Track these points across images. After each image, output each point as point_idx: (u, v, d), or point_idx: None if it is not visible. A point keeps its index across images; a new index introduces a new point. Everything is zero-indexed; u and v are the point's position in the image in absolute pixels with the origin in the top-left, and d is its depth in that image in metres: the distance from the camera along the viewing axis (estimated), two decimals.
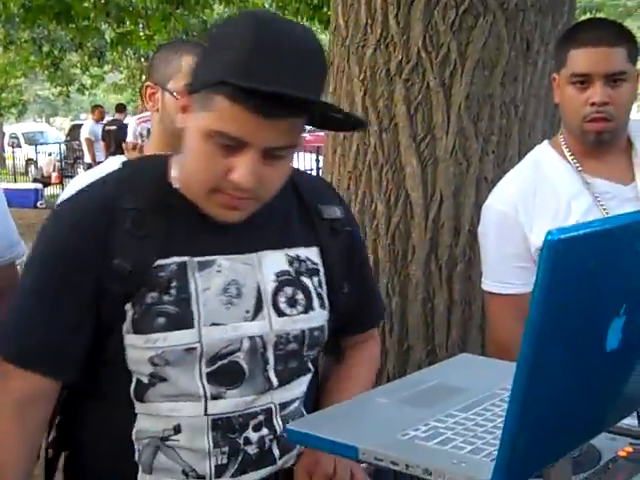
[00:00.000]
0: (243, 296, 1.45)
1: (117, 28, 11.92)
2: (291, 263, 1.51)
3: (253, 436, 1.47)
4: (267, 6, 12.35)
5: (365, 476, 1.48)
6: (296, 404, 1.54)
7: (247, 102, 1.28)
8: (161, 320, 1.39)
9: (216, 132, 1.32)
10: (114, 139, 15.20)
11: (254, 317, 1.46)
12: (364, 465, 1.49)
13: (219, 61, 1.30)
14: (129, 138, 7.87)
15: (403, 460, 0.98)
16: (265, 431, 1.48)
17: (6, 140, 26.45)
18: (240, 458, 1.46)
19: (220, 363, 1.43)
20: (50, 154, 21.17)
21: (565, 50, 2.24)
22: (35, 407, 1.43)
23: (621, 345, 0.97)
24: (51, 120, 44.36)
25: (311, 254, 1.54)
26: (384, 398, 1.19)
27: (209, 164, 1.35)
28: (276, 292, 1.48)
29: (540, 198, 2.22)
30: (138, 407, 1.45)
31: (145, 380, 1.43)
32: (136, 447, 1.46)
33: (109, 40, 12.68)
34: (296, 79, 1.29)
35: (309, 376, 1.58)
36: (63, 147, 21.70)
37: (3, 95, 23.44)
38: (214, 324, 1.42)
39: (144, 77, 18.04)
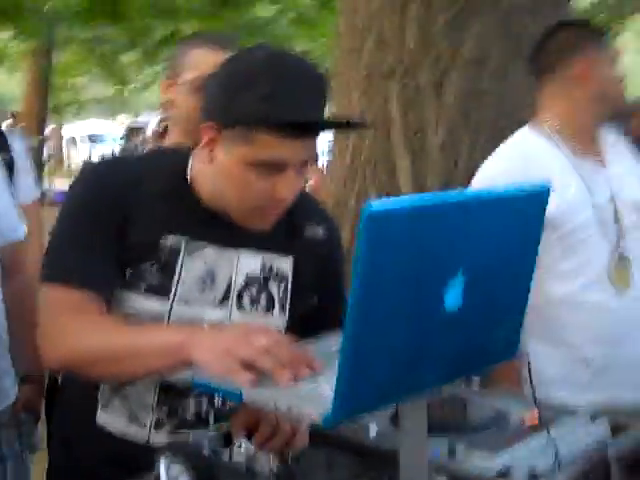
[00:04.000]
0: (215, 285, 1.65)
1: (164, 28, 12.27)
2: (263, 268, 1.70)
3: (192, 404, 1.68)
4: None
5: (306, 432, 1.58)
6: None
7: (286, 132, 1.49)
8: (144, 286, 1.61)
9: (262, 161, 1.51)
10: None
11: (218, 305, 1.65)
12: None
13: (249, 99, 1.48)
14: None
15: (272, 400, 1.18)
16: (204, 403, 1.70)
17: (64, 141, 27.08)
18: (177, 419, 1.68)
19: None
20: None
21: (569, 56, 2.44)
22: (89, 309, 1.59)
23: (464, 305, 1.14)
24: (113, 119, 45.13)
25: (284, 264, 1.72)
26: None
27: (253, 188, 1.54)
28: (243, 289, 1.67)
29: (527, 174, 2.31)
30: None
31: None
32: (100, 387, 1.68)
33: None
34: (317, 103, 1.53)
35: None
36: (118, 148, 22.13)
37: (62, 95, 23.95)
38: (186, 302, 1.62)
39: None
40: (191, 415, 1.69)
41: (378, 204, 1.01)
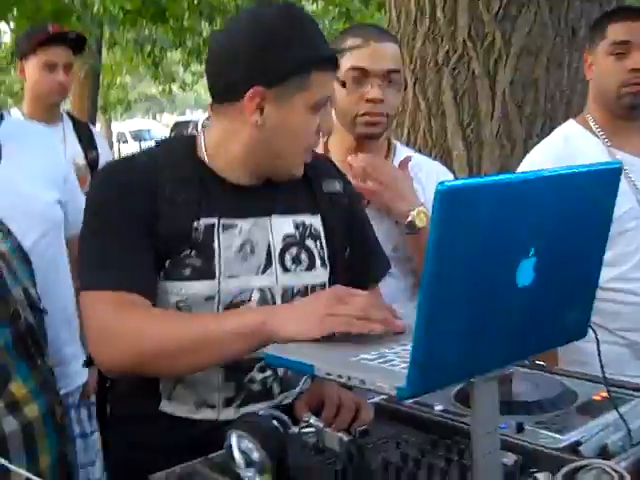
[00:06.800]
0: (255, 253, 1.68)
1: (210, 27, 12.38)
2: (297, 227, 1.74)
3: (257, 376, 1.69)
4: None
5: (371, 408, 1.64)
6: None
7: (329, 68, 1.64)
8: (188, 271, 1.62)
9: (321, 100, 1.62)
10: None
11: (263, 271, 1.68)
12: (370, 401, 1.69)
13: (292, 50, 1.58)
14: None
15: (345, 374, 1.19)
16: (268, 373, 1.71)
17: (114, 137, 27.43)
18: (244, 393, 1.69)
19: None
20: None
21: (603, 25, 2.40)
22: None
23: (535, 282, 1.15)
24: (158, 117, 45.61)
25: (314, 221, 1.77)
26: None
27: (309, 130, 1.65)
28: (283, 251, 1.71)
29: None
30: None
31: None
32: (160, 378, 1.67)
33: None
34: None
35: None
36: None
37: (111, 93, 24.24)
38: (231, 276, 1.64)
39: None
40: (258, 387, 1.71)
41: (451, 182, 1.02)
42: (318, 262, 1.76)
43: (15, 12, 10.22)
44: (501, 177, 1.11)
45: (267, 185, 1.72)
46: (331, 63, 1.64)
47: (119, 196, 1.62)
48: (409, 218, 2.14)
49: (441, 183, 1.00)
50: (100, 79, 17.53)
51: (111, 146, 26.56)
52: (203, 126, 1.78)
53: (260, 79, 1.60)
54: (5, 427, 1.61)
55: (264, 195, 1.70)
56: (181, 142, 1.78)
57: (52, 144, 2.48)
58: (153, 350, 1.52)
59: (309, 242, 1.76)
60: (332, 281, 1.78)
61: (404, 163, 2.23)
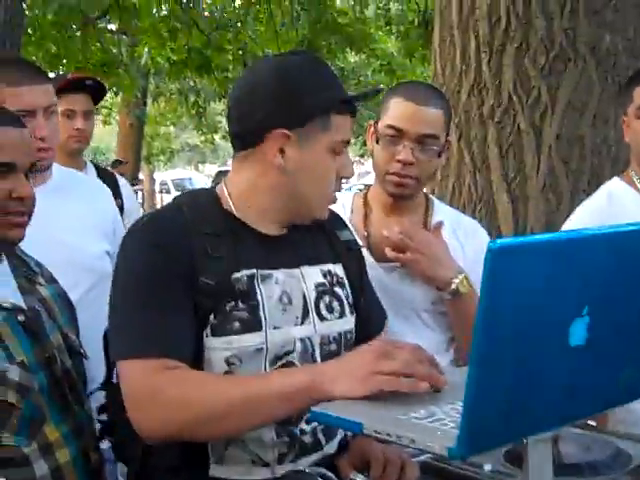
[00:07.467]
0: (293, 304, 1.68)
1: None
2: (325, 276, 1.76)
3: (306, 427, 1.66)
4: (394, 52, 12.74)
5: (415, 465, 1.62)
6: None
7: (347, 110, 1.68)
8: (237, 325, 1.60)
9: (339, 142, 1.66)
10: None
11: (302, 321, 1.68)
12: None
13: (315, 93, 1.63)
14: None
15: (394, 432, 1.17)
16: (315, 422, 1.66)
17: (157, 187, 27.72)
18: (297, 446, 1.65)
19: (280, 363, 1.63)
20: None
21: (631, 89, 2.37)
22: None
23: (588, 341, 1.13)
24: (200, 167, 46.10)
25: (338, 269, 1.80)
26: None
27: (330, 172, 1.69)
28: (317, 300, 1.72)
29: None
30: None
31: None
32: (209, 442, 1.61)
33: None
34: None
35: None
36: None
37: (154, 143, 24.61)
38: (275, 327, 1.64)
39: None
40: (309, 439, 1.68)
41: (503, 241, 1.01)
42: (347, 309, 1.78)
43: (65, 62, 10.48)
44: (552, 235, 1.10)
45: (292, 235, 1.74)
46: (349, 107, 1.68)
47: (155, 258, 1.59)
48: (453, 286, 2.13)
49: (492, 241, 0.99)
50: (144, 130, 17.85)
51: (154, 195, 26.92)
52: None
53: (281, 122, 1.63)
54: (37, 471, 1.62)
55: (291, 245, 1.72)
56: (204, 195, 1.77)
57: (102, 194, 2.49)
58: (200, 414, 1.49)
59: (337, 290, 1.78)
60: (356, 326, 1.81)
61: (437, 229, 2.23)
